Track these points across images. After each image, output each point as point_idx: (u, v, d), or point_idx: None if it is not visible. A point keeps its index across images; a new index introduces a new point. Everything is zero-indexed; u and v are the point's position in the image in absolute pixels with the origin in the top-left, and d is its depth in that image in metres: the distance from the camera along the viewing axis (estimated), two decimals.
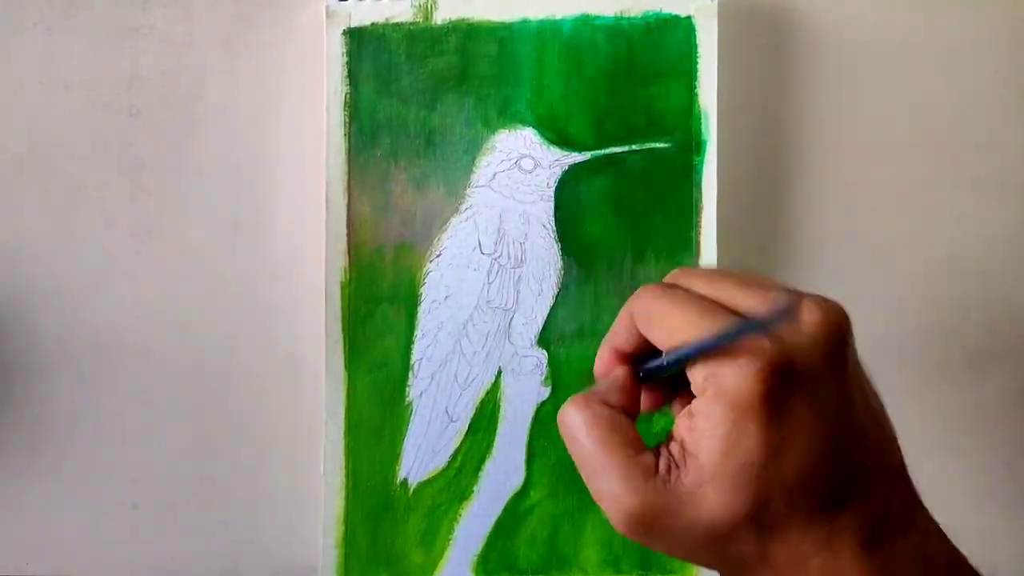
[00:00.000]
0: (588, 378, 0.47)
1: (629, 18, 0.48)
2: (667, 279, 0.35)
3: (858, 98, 0.51)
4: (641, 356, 0.34)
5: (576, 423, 0.33)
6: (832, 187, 0.51)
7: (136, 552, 0.51)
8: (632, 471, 0.31)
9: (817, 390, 0.30)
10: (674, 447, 0.31)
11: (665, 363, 0.32)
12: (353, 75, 0.48)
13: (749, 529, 0.30)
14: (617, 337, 0.35)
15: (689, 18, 0.47)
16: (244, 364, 0.51)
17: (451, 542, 0.48)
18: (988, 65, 0.51)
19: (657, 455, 0.32)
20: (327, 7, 0.48)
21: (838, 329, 0.31)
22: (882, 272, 0.51)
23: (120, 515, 0.51)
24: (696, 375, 0.31)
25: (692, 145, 0.48)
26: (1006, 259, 0.52)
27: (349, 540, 0.48)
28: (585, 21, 0.48)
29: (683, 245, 0.48)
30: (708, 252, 0.48)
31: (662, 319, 0.32)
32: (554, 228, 0.48)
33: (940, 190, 0.51)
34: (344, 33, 0.48)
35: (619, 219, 0.48)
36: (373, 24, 0.48)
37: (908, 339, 0.52)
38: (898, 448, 0.33)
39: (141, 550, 0.51)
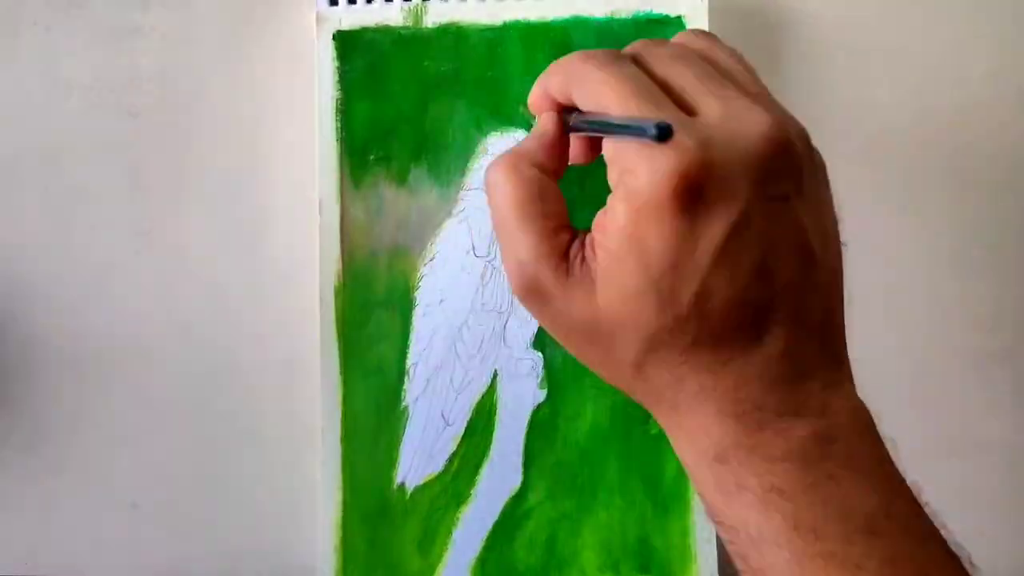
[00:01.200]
0: (585, 381, 0.48)
1: (620, 19, 0.48)
2: (630, 48, 0.32)
3: (849, 98, 0.51)
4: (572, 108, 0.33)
5: (500, 182, 0.32)
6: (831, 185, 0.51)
7: (135, 552, 0.51)
8: (543, 242, 0.31)
9: (738, 208, 0.28)
10: (588, 238, 0.31)
11: (580, 127, 0.31)
12: (344, 79, 0.48)
13: (633, 335, 0.29)
14: (549, 81, 0.33)
15: (680, 18, 0.47)
16: (242, 367, 0.51)
17: (449, 546, 0.48)
18: (985, 64, 0.51)
19: (573, 238, 0.31)
20: (317, 11, 0.47)
21: (779, 150, 0.29)
22: (881, 272, 0.51)
23: (119, 515, 0.51)
24: (612, 168, 0.30)
25: None
26: (1007, 259, 0.52)
27: (347, 545, 0.48)
28: (576, 22, 0.48)
29: None
30: None
31: (596, 85, 0.30)
32: None
33: (936, 190, 0.51)
34: (335, 37, 0.48)
35: None
36: (363, 28, 0.48)
37: (908, 339, 0.52)
38: (837, 306, 0.31)
39: (140, 550, 0.51)
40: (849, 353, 0.48)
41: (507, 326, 0.48)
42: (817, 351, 0.30)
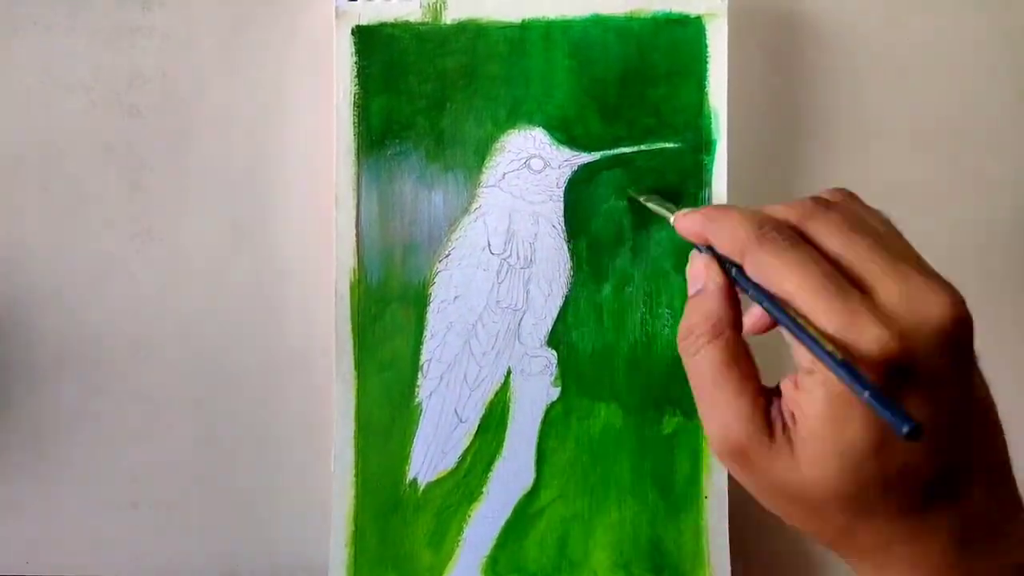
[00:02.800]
0: (598, 380, 0.48)
1: (639, 18, 0.47)
2: (790, 215, 0.33)
3: (867, 98, 0.51)
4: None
5: (702, 346, 0.33)
6: (842, 186, 0.51)
7: (137, 552, 0.51)
8: (749, 409, 0.31)
9: (932, 390, 0.29)
10: (784, 407, 0.31)
11: (771, 316, 0.31)
12: (362, 75, 0.48)
13: (841, 505, 0.30)
14: (721, 239, 0.33)
15: (699, 18, 0.47)
16: (250, 365, 0.51)
17: (460, 543, 0.48)
18: (999, 65, 0.51)
19: (770, 401, 0.32)
20: (336, 7, 0.47)
21: (964, 326, 0.30)
22: None
23: (121, 515, 0.51)
24: (816, 383, 0.30)
25: (702, 145, 0.47)
26: (1010, 259, 0.52)
27: (359, 540, 0.48)
28: (595, 21, 0.48)
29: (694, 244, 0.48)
30: None
31: (778, 277, 0.31)
32: (564, 228, 0.48)
33: (949, 189, 0.51)
34: (353, 32, 0.48)
35: (629, 219, 0.48)
36: (382, 24, 0.48)
37: None
38: (1004, 447, 0.32)
39: (141, 549, 0.51)
40: None
41: (521, 323, 0.48)
42: (1007, 497, 0.32)
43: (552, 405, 0.48)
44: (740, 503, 0.50)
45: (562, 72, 0.48)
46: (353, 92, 0.48)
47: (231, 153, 0.51)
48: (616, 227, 0.48)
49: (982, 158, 0.51)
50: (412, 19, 0.48)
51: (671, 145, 0.48)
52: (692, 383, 0.33)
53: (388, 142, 0.48)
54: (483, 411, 0.48)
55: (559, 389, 0.48)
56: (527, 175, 0.48)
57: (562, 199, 0.48)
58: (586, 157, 0.48)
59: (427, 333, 0.48)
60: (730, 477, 0.48)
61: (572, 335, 0.48)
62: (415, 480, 0.48)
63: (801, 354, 0.30)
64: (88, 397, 0.51)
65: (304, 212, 0.51)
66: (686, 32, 0.47)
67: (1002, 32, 0.51)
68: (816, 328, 0.29)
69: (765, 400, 0.32)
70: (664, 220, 0.40)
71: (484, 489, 0.48)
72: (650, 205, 0.44)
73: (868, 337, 0.28)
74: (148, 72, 0.51)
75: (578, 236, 0.48)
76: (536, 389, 0.48)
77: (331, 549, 0.48)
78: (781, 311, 0.30)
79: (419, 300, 0.48)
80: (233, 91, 0.51)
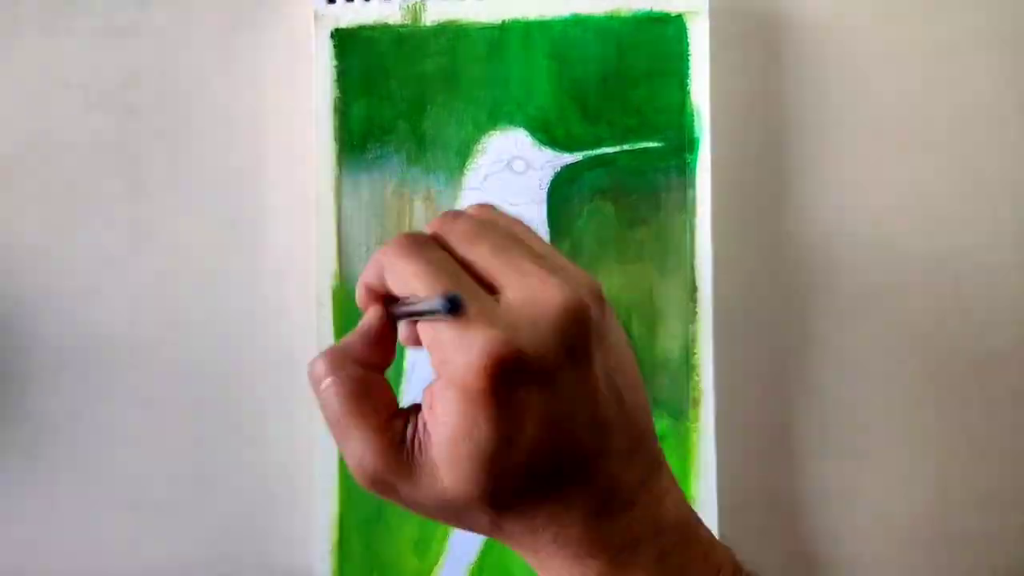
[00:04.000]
0: None
1: (620, 17, 0.47)
2: (430, 226, 0.34)
3: (850, 96, 0.51)
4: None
5: (326, 384, 0.33)
6: (826, 185, 0.50)
7: (134, 553, 0.51)
8: (378, 438, 0.31)
9: (549, 379, 0.30)
10: (421, 419, 0.32)
11: (399, 314, 0.32)
12: (342, 77, 0.48)
13: (482, 506, 0.31)
14: (368, 276, 0.34)
15: (680, 16, 0.47)
16: (239, 366, 0.51)
17: (446, 549, 0.48)
18: (982, 64, 0.51)
19: (406, 421, 0.32)
20: (315, 10, 0.47)
21: (577, 317, 0.30)
22: (878, 271, 0.51)
23: (120, 514, 0.51)
24: (432, 355, 0.31)
25: (685, 144, 0.47)
26: (1005, 259, 0.51)
27: (344, 545, 0.47)
28: (575, 21, 0.47)
29: (677, 244, 0.47)
30: (703, 250, 0.47)
31: (404, 273, 0.32)
32: (547, 230, 0.48)
33: (933, 189, 0.51)
34: (332, 35, 0.47)
35: (612, 219, 0.47)
36: (361, 26, 0.48)
37: (906, 338, 0.51)
38: (641, 420, 0.33)
39: (141, 549, 0.51)
40: (850, 355, 0.48)
41: None
42: (646, 460, 0.33)
43: None
44: (729, 508, 0.49)
45: (543, 73, 0.47)
46: (333, 96, 0.47)
47: (222, 154, 0.51)
48: (599, 229, 0.47)
49: (973, 157, 0.51)
50: (392, 21, 0.48)
51: (654, 145, 0.47)
52: (324, 417, 0.33)
53: (369, 145, 0.48)
54: None
55: None
56: (509, 177, 0.48)
57: (545, 200, 0.48)
58: (568, 158, 0.48)
59: None
60: (719, 479, 0.47)
61: None
62: None
63: (431, 354, 0.31)
64: (86, 398, 0.51)
65: (289, 215, 0.50)
66: (667, 31, 0.47)
67: (983, 30, 0.51)
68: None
69: (400, 425, 0.32)
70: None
71: None
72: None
73: (476, 336, 0.29)
74: (145, 71, 0.51)
75: (561, 237, 0.48)
76: None
77: (316, 556, 0.47)
78: (407, 307, 0.32)
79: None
80: (224, 92, 0.51)
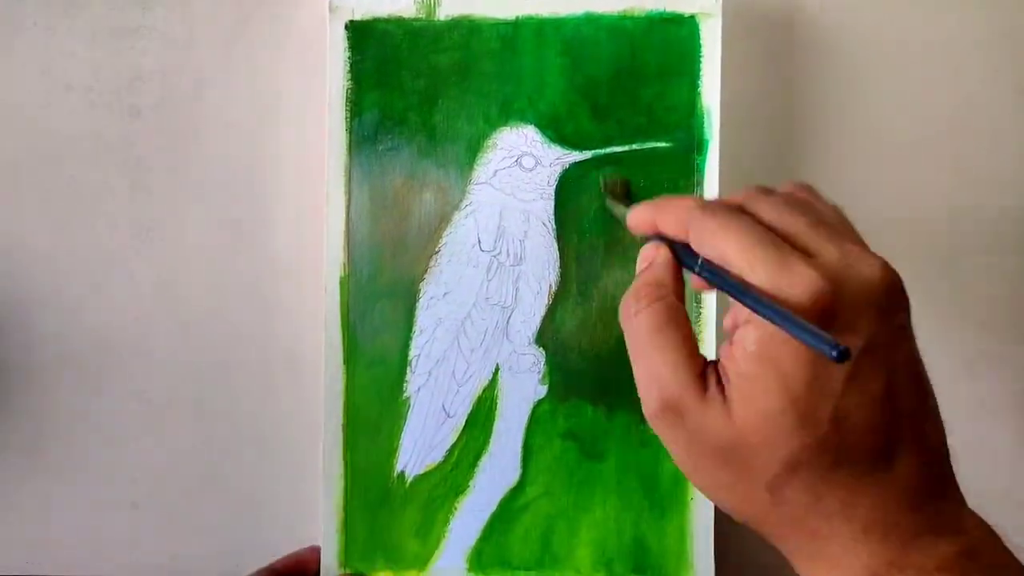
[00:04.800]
0: (585, 379, 0.48)
1: (633, 16, 0.47)
2: (736, 197, 0.34)
3: (861, 98, 0.50)
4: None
5: (642, 308, 0.33)
6: (834, 187, 0.50)
7: (136, 551, 0.52)
8: (685, 363, 0.32)
9: (864, 340, 0.30)
10: (719, 365, 0.32)
11: (713, 280, 0.32)
12: (355, 70, 0.48)
13: (771, 452, 0.30)
14: (666, 220, 0.35)
15: (693, 17, 0.47)
16: (244, 361, 0.52)
17: (446, 534, 0.49)
18: (992, 65, 0.50)
19: (706, 364, 0.32)
20: (330, 2, 0.47)
21: (897, 292, 0.31)
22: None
23: (120, 514, 0.52)
24: (748, 330, 0.30)
25: (694, 145, 0.47)
26: (1006, 259, 0.51)
27: (348, 530, 0.49)
28: (588, 19, 0.47)
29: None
30: None
31: (716, 236, 0.32)
32: (554, 227, 0.48)
33: (943, 190, 0.51)
34: (346, 27, 0.48)
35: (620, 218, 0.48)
36: (375, 19, 0.48)
37: None
38: (939, 432, 0.32)
39: (141, 549, 0.52)
40: None
41: (510, 321, 0.48)
42: (942, 472, 0.32)
43: (539, 402, 0.48)
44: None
45: (554, 70, 0.48)
46: (346, 87, 0.48)
47: (230, 151, 0.51)
48: (606, 226, 0.48)
49: (981, 158, 0.51)
50: (406, 15, 0.48)
51: (663, 144, 0.47)
52: (629, 345, 0.34)
53: (380, 137, 0.48)
54: (471, 407, 0.48)
55: (546, 387, 0.48)
56: (518, 173, 0.48)
57: (553, 197, 0.48)
58: (577, 156, 0.48)
59: (416, 329, 0.48)
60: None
61: (560, 333, 0.48)
62: (403, 473, 0.49)
63: (734, 314, 0.32)
64: (88, 396, 0.51)
65: (298, 208, 0.51)
66: (680, 31, 0.47)
67: (1002, 31, 0.50)
68: (750, 284, 0.30)
69: (701, 361, 0.32)
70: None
71: (470, 483, 0.49)
72: (608, 204, 0.46)
73: (799, 280, 0.29)
74: (148, 72, 0.51)
75: (568, 234, 0.48)
76: (524, 386, 0.48)
77: (321, 540, 0.48)
78: (717, 274, 0.32)
79: (409, 296, 0.48)
80: (231, 89, 0.51)
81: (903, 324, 0.31)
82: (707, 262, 0.33)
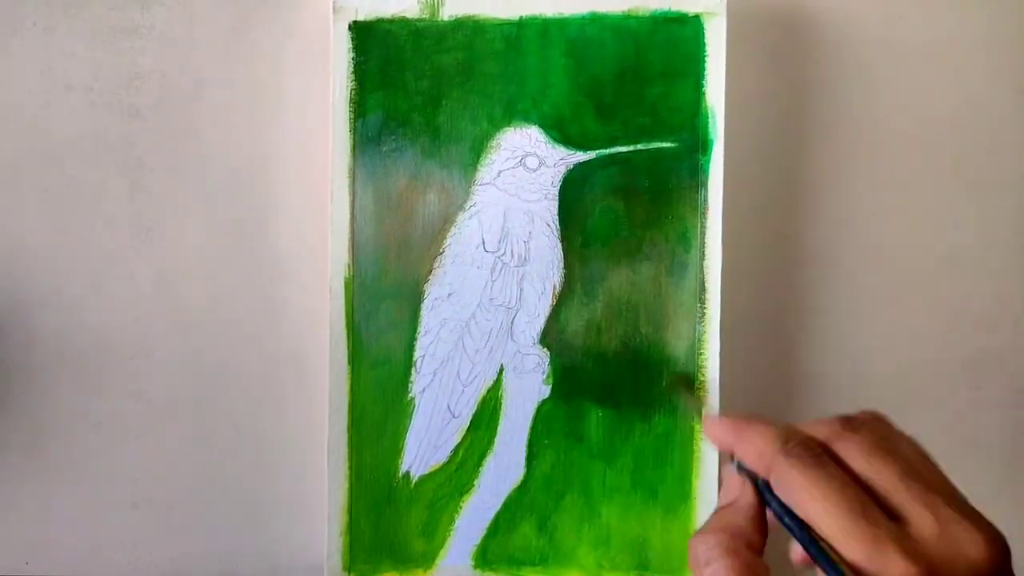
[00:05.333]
0: (589, 379, 0.48)
1: (637, 16, 0.47)
2: (820, 431, 0.32)
3: (865, 98, 0.50)
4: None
5: (718, 567, 0.31)
6: (838, 187, 0.50)
7: (136, 551, 0.52)
8: None
9: None
10: None
11: (800, 544, 0.30)
12: (359, 70, 0.48)
13: None
14: (747, 450, 0.33)
15: (698, 17, 0.47)
16: (247, 362, 0.52)
17: (452, 533, 0.49)
18: (998, 66, 0.50)
19: None
20: (334, 2, 0.47)
21: (1001, 568, 0.29)
22: (887, 272, 0.51)
23: (120, 514, 0.52)
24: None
25: (699, 145, 0.47)
26: (1007, 259, 0.51)
27: (353, 529, 0.49)
28: (593, 19, 0.47)
29: (688, 245, 0.48)
30: (713, 252, 0.47)
31: (803, 495, 0.30)
32: (558, 227, 0.48)
33: (947, 190, 0.51)
34: (350, 28, 0.47)
35: (624, 218, 0.48)
36: (379, 19, 0.48)
37: (909, 338, 0.51)
38: None
39: (141, 549, 0.52)
40: (856, 356, 0.48)
41: (514, 321, 0.48)
42: None
43: (543, 402, 0.48)
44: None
45: (558, 70, 0.47)
46: (350, 88, 0.48)
47: (231, 152, 0.51)
48: (610, 227, 0.48)
49: (984, 158, 0.51)
50: (409, 15, 0.48)
51: (667, 145, 0.47)
52: None
53: (384, 138, 0.48)
54: (475, 407, 0.49)
55: (550, 387, 0.48)
56: (522, 173, 0.48)
57: (557, 198, 0.48)
58: (582, 156, 0.48)
59: (421, 329, 0.48)
60: (720, 480, 0.48)
61: (565, 333, 0.48)
62: (408, 473, 0.49)
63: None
64: (88, 397, 0.52)
65: (302, 209, 0.51)
66: (684, 31, 0.47)
67: (1004, 31, 0.50)
68: (838, 555, 0.28)
69: None
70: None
71: (475, 483, 0.49)
72: (683, 400, 0.46)
73: (894, 570, 0.28)
74: (148, 72, 0.51)
75: (572, 235, 0.48)
76: (528, 386, 0.48)
77: (326, 539, 0.49)
78: (803, 532, 0.30)
79: (413, 297, 0.48)
80: (232, 89, 0.51)
81: None
82: (791, 515, 0.30)
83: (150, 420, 0.52)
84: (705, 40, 0.47)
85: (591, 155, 0.48)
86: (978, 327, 0.51)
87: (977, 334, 0.51)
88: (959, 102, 0.50)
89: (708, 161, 0.47)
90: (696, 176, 0.47)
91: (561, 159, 0.48)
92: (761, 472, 0.32)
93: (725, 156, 0.47)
